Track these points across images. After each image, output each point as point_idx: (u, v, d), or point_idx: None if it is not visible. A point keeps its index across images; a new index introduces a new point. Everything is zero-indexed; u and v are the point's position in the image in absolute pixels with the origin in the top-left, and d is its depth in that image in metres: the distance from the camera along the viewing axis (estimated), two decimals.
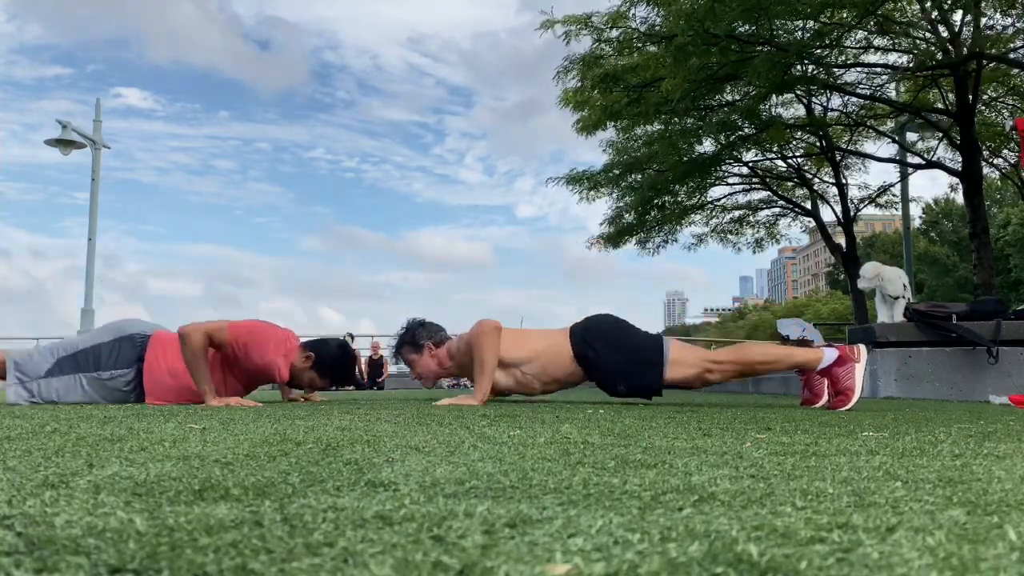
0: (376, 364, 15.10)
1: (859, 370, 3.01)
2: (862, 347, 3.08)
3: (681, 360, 3.17)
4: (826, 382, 3.23)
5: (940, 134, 12.32)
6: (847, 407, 2.93)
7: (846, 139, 14.05)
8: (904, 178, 13.16)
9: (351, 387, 13.64)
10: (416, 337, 3.43)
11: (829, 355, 3.07)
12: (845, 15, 9.57)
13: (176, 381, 3.17)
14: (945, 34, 10.36)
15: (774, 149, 13.91)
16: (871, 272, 5.46)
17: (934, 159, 12.86)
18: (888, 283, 5.44)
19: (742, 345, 3.35)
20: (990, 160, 13.31)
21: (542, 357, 3.21)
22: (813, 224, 15.95)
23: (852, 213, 14.35)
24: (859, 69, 11.54)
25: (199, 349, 3.05)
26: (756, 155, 14.32)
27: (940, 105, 11.82)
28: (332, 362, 3.36)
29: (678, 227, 15.60)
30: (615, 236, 15.11)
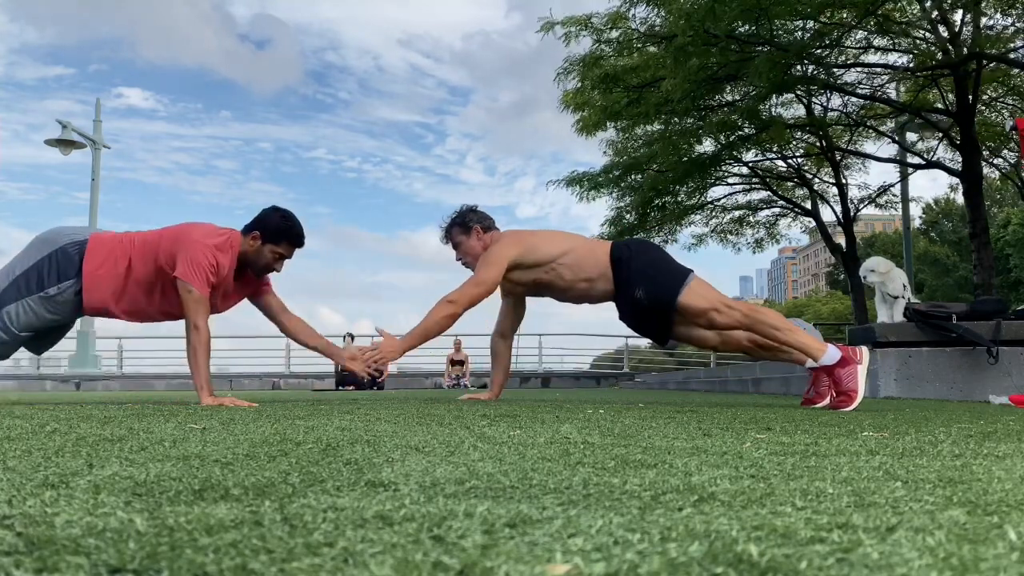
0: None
1: (862, 372, 3.03)
2: (864, 349, 3.10)
3: (699, 292, 3.25)
4: (829, 383, 3.24)
5: (940, 134, 12.32)
6: (849, 408, 2.93)
7: (846, 139, 14.05)
8: (904, 178, 13.16)
9: (351, 387, 13.67)
10: (467, 220, 3.56)
11: (832, 353, 3.08)
12: (845, 15, 9.58)
13: (115, 287, 3.14)
14: (945, 34, 10.36)
15: (774, 149, 13.91)
16: (884, 266, 5.43)
17: (934, 159, 12.86)
18: (889, 283, 5.44)
19: (754, 305, 3.44)
20: (990, 160, 13.31)
21: (578, 251, 3.37)
22: (813, 224, 15.95)
23: (852, 213, 14.35)
24: (859, 69, 11.54)
25: (207, 344, 3.06)
26: (756, 155, 14.32)
27: (940, 105, 11.82)
28: (280, 225, 3.26)
29: (678, 227, 15.60)
30: (615, 236, 15.10)
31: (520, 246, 3.34)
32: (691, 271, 3.34)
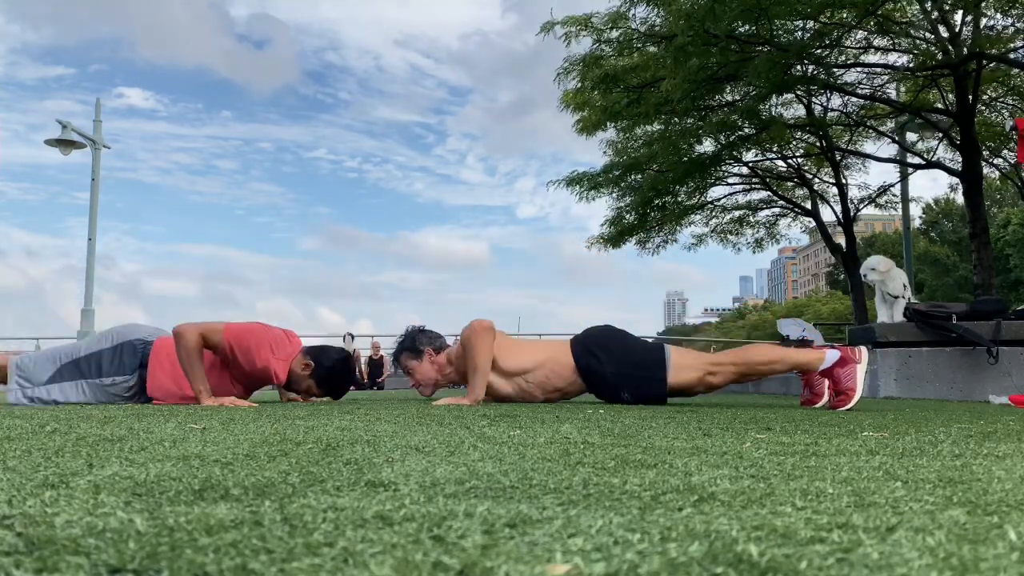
0: (376, 364, 15.10)
1: (860, 371, 3.02)
2: (863, 348, 3.09)
3: (683, 364, 3.19)
4: (827, 382, 3.23)
5: (940, 134, 12.31)
6: (848, 407, 2.93)
7: (846, 139, 14.05)
8: (904, 178, 13.15)
9: (351, 387, 13.63)
10: (416, 343, 3.42)
11: (830, 356, 3.07)
12: (845, 15, 9.57)
13: (178, 386, 3.18)
14: (945, 34, 10.36)
15: (774, 149, 13.91)
16: (884, 265, 5.42)
17: (934, 159, 12.86)
18: (889, 282, 5.44)
19: (743, 348, 3.35)
20: (990, 160, 13.30)
21: (545, 367, 3.23)
22: (813, 224, 15.95)
23: (852, 213, 14.35)
24: (859, 69, 11.53)
25: (193, 349, 3.04)
26: (756, 155, 14.31)
27: (940, 105, 11.82)
28: (331, 373, 3.34)
29: (678, 227, 15.60)
30: (616, 236, 15.11)
31: (493, 340, 3.20)
32: (662, 345, 3.27)
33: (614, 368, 3.20)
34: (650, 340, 3.43)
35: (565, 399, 3.40)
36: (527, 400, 3.28)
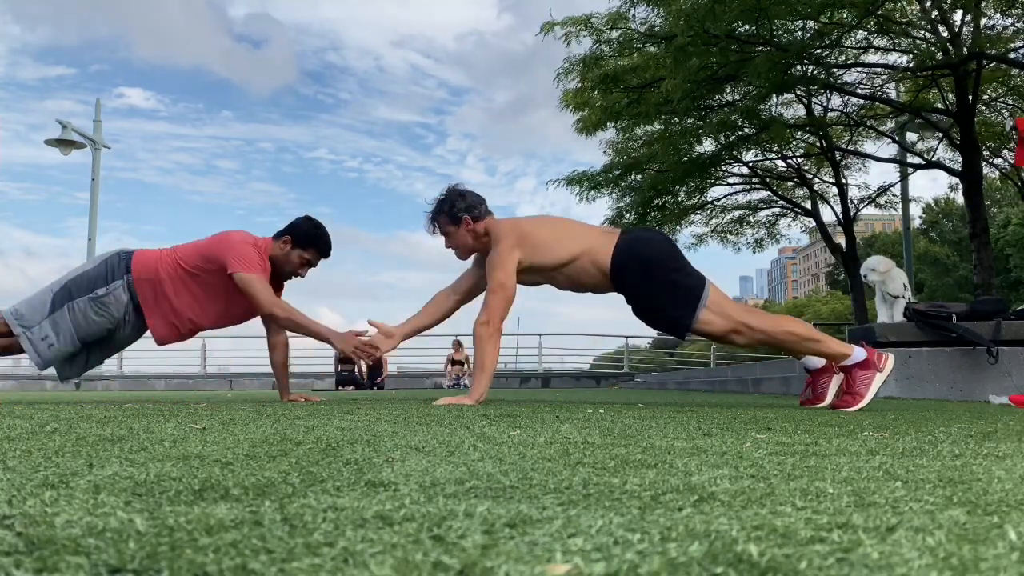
0: (375, 363, 15.09)
1: (879, 380, 2.93)
2: (891, 357, 2.98)
3: (718, 311, 3.02)
4: (831, 385, 3.20)
5: (940, 134, 12.32)
6: (851, 411, 2.91)
7: (846, 139, 14.06)
8: (904, 178, 13.16)
9: (351, 387, 13.66)
10: (455, 208, 3.28)
11: (858, 353, 2.99)
12: (845, 15, 9.57)
13: (166, 310, 3.37)
14: (945, 34, 10.36)
15: (774, 149, 13.91)
16: (884, 265, 5.42)
17: (934, 159, 12.86)
18: (889, 282, 5.44)
19: (780, 317, 3.21)
20: (990, 160, 13.31)
21: (580, 260, 3.10)
22: (813, 224, 15.96)
23: (852, 213, 14.35)
24: (859, 69, 11.54)
25: (295, 315, 3.38)
26: (756, 155, 14.32)
27: (940, 105, 11.82)
28: (310, 232, 3.50)
29: (678, 227, 15.61)
30: None
31: (523, 248, 3.13)
32: (704, 284, 3.07)
33: (644, 290, 3.08)
34: (698, 273, 3.16)
35: (594, 292, 3.26)
36: (555, 286, 3.24)
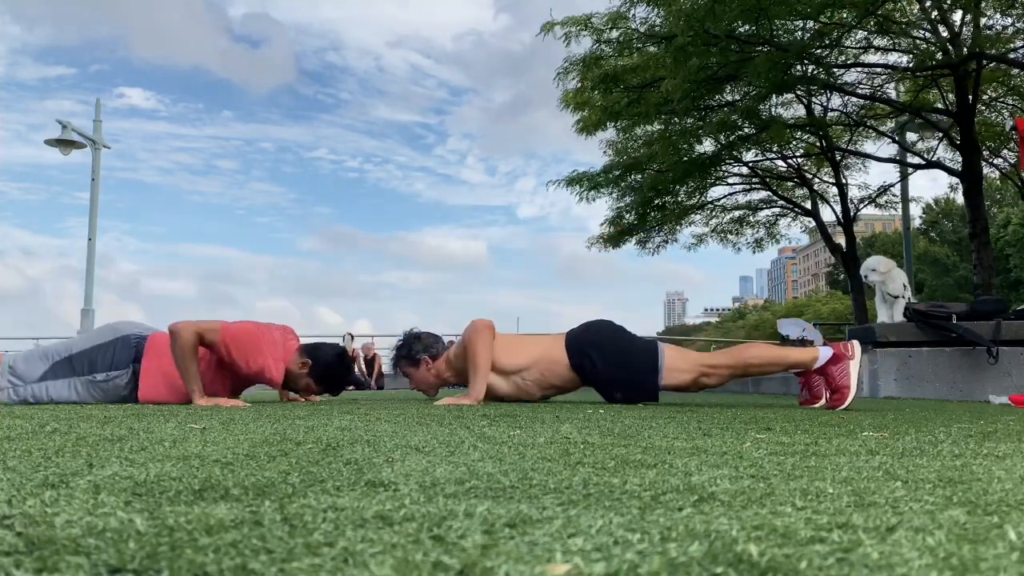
0: (368, 364, 15.10)
1: (854, 367, 3.00)
2: (856, 343, 3.06)
3: (677, 366, 3.19)
4: (823, 382, 3.22)
5: (940, 134, 12.32)
6: (844, 405, 2.93)
7: (846, 139, 14.06)
8: (904, 178, 13.16)
9: (351, 387, 13.65)
10: (412, 351, 3.49)
11: (824, 354, 3.06)
12: (845, 15, 9.57)
13: (171, 383, 3.15)
14: (945, 34, 10.36)
15: (774, 149, 13.91)
16: (884, 266, 5.42)
17: (934, 159, 12.86)
18: (889, 283, 5.44)
19: (738, 347, 3.33)
20: (990, 160, 13.31)
21: (540, 364, 3.25)
22: (813, 224, 15.95)
23: (852, 213, 14.35)
24: (859, 69, 11.54)
25: (188, 347, 3.01)
26: (756, 155, 14.32)
27: (940, 105, 11.82)
28: (328, 370, 3.33)
29: (678, 227, 15.62)
30: (616, 236, 15.12)
31: (493, 340, 3.23)
32: (656, 345, 3.27)
33: (607, 369, 3.22)
34: (647, 338, 3.40)
35: (562, 394, 3.41)
36: (524, 398, 3.29)
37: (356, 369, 14.14)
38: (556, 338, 3.36)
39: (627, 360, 3.23)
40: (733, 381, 3.50)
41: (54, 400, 3.17)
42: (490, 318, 3.26)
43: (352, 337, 14.68)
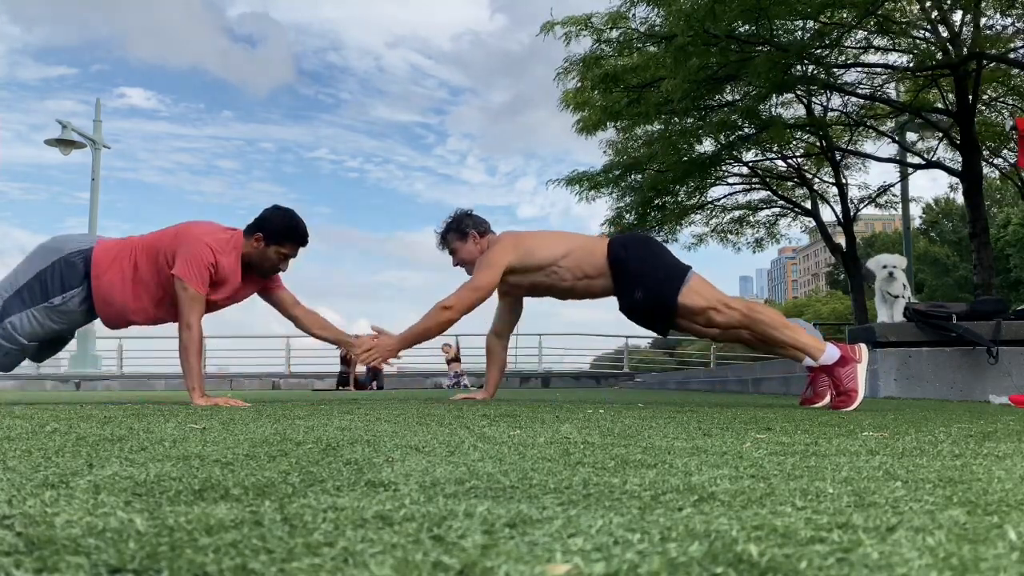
0: (372, 369, 15.10)
1: (861, 371, 3.00)
2: (863, 347, 3.06)
3: (699, 291, 3.23)
4: (829, 383, 3.22)
5: (940, 134, 12.32)
6: (850, 408, 2.92)
7: (846, 139, 14.05)
8: (904, 178, 13.16)
9: (350, 387, 13.67)
10: (463, 225, 3.55)
11: (831, 352, 3.04)
12: (845, 15, 9.57)
13: (123, 290, 3.13)
14: (945, 34, 10.37)
15: (774, 149, 13.92)
16: (902, 262, 5.55)
17: (934, 159, 12.86)
18: (891, 282, 5.44)
19: (755, 303, 3.42)
20: (990, 160, 13.30)
21: (576, 253, 3.34)
22: (813, 224, 15.96)
23: (852, 213, 14.35)
24: (859, 69, 11.54)
25: (199, 341, 3.05)
26: (756, 155, 14.33)
27: (940, 105, 11.82)
28: (283, 225, 3.25)
29: (678, 227, 15.61)
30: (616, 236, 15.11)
31: (517, 250, 3.33)
32: (690, 268, 3.32)
33: (639, 264, 3.29)
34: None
35: (589, 294, 3.43)
36: (555, 286, 3.37)
37: (356, 370, 14.18)
38: (598, 237, 3.54)
39: (659, 264, 3.31)
40: (733, 381, 3.50)
41: (18, 338, 3.11)
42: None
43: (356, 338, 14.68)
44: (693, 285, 3.23)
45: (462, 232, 3.53)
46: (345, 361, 14.29)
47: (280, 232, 3.24)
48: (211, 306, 3.24)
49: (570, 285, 3.37)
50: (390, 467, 0.99)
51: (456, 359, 15.26)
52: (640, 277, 3.29)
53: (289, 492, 0.79)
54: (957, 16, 10.28)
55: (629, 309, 3.36)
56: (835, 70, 11.11)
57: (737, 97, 11.81)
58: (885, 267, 5.43)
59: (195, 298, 3.08)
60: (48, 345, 3.38)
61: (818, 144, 13.71)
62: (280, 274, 3.42)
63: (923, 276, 36.83)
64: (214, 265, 3.12)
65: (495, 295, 3.54)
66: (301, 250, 3.35)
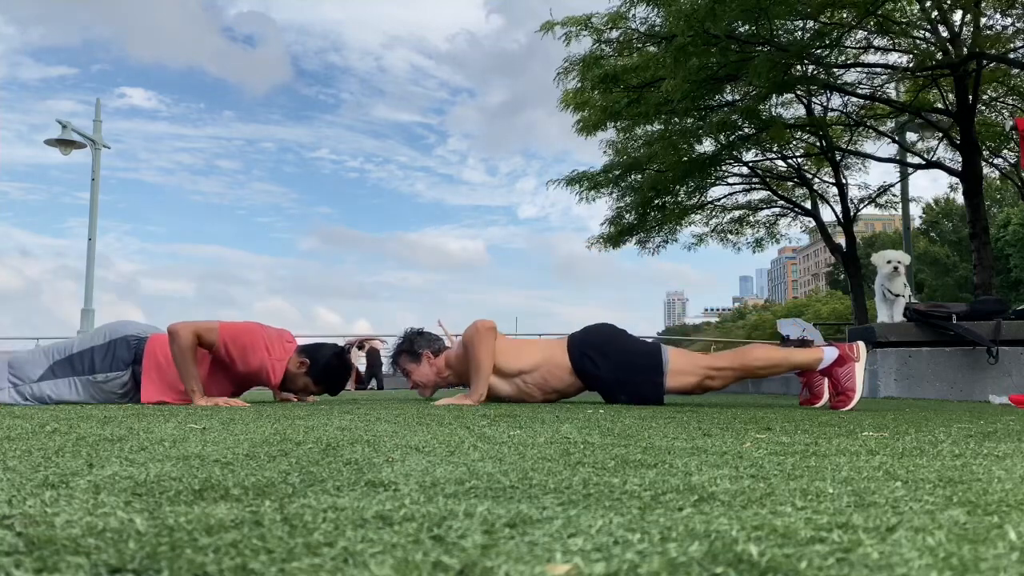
0: (371, 356, 15.04)
1: (859, 369, 2.99)
2: (861, 345, 3.05)
3: (681, 369, 3.16)
4: (826, 382, 3.22)
5: (940, 134, 12.31)
6: (848, 407, 2.92)
7: (846, 139, 14.05)
8: (904, 178, 13.15)
9: (350, 388, 13.64)
10: (414, 346, 3.43)
11: (829, 354, 3.05)
12: (845, 15, 9.57)
13: (171, 384, 3.15)
14: (945, 34, 10.36)
15: (774, 149, 13.90)
16: (907, 258, 5.56)
17: (934, 159, 12.86)
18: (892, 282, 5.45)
19: (742, 350, 3.31)
20: (990, 160, 13.30)
21: (542, 367, 3.22)
22: (813, 224, 15.94)
23: (852, 213, 14.35)
24: (859, 69, 11.53)
25: (187, 347, 3.03)
26: (756, 155, 14.32)
27: (940, 105, 11.81)
28: (327, 369, 3.31)
29: (678, 227, 15.60)
30: (616, 236, 15.11)
31: (495, 341, 3.20)
32: (659, 347, 3.23)
33: (610, 372, 3.18)
34: (649, 340, 3.36)
35: (564, 399, 3.39)
36: (526, 400, 3.27)
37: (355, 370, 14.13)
38: (559, 342, 3.33)
39: (630, 361, 3.19)
40: (734, 384, 3.49)
41: (54, 400, 3.17)
42: (490, 318, 3.24)
43: (362, 346, 14.66)
44: (673, 366, 3.15)
45: (414, 354, 3.42)
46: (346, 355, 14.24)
47: (324, 374, 3.31)
48: (229, 372, 3.22)
49: (541, 399, 3.26)
50: (390, 467, 0.99)
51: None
52: (615, 383, 3.19)
53: (289, 492, 0.79)
54: (957, 16, 10.28)
55: (619, 402, 3.25)
56: (835, 70, 11.11)
57: (737, 97, 11.80)
58: (889, 262, 5.43)
59: (208, 326, 3.10)
60: None
61: (818, 144, 13.70)
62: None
63: (923, 276, 36.83)
64: (269, 345, 3.19)
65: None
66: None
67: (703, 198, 15.22)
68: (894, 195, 14.83)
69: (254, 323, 3.25)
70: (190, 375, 3.03)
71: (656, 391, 3.17)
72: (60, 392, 3.18)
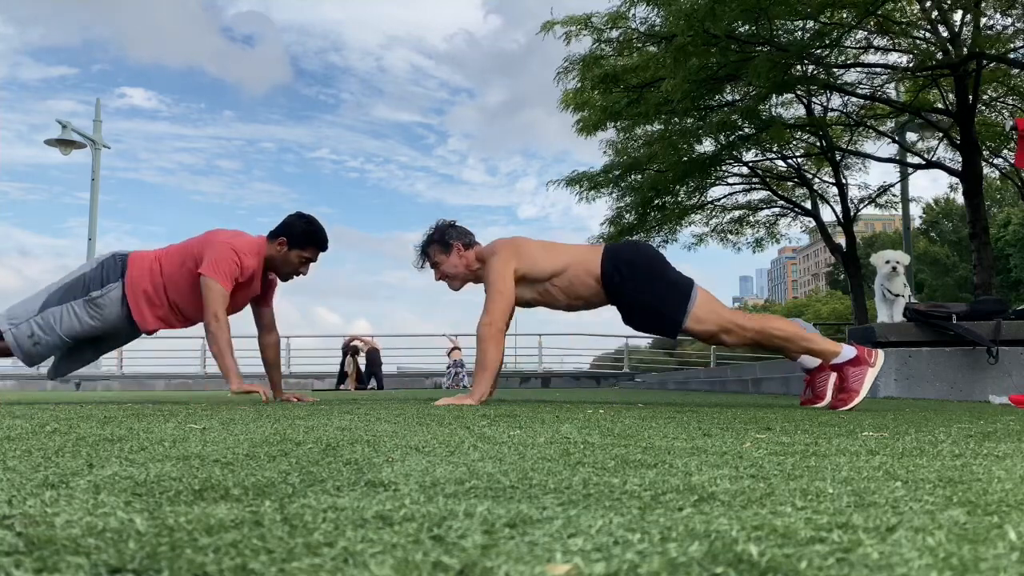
0: (370, 362, 15.10)
1: (871, 375, 2.94)
2: (880, 353, 3.01)
3: (704, 316, 3.06)
4: (829, 383, 3.21)
5: (940, 134, 12.32)
6: (847, 408, 2.92)
7: (846, 139, 14.06)
8: (904, 178, 13.16)
9: (349, 387, 13.69)
10: (446, 236, 3.33)
11: (847, 352, 3.00)
12: (845, 15, 9.57)
13: (164, 316, 3.39)
14: (945, 34, 10.36)
15: (774, 149, 13.91)
16: (906, 259, 5.56)
17: (934, 159, 12.86)
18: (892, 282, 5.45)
19: (766, 315, 3.27)
20: (990, 160, 13.30)
21: (571, 269, 3.15)
22: (813, 224, 15.96)
23: (852, 213, 14.35)
24: (859, 69, 11.54)
25: (227, 343, 3.25)
26: (756, 155, 14.33)
27: (940, 105, 11.82)
28: (305, 231, 3.47)
29: (678, 227, 15.61)
30: (616, 236, 15.13)
31: (519, 258, 3.16)
32: (692, 286, 3.11)
33: (634, 292, 3.09)
34: (686, 276, 3.21)
35: (587, 308, 3.30)
36: (550, 306, 3.24)
37: (355, 370, 14.21)
38: (594, 248, 3.25)
39: (658, 289, 3.09)
40: (733, 381, 3.48)
41: (55, 329, 3.29)
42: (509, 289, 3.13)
43: (358, 351, 14.76)
44: (698, 308, 3.05)
45: (445, 244, 3.32)
46: (347, 352, 14.35)
47: (302, 237, 3.45)
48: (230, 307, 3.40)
49: (566, 304, 3.22)
50: (390, 467, 0.99)
51: (457, 348, 15.33)
52: (635, 303, 3.13)
53: (289, 492, 0.79)
54: (957, 16, 10.28)
55: (631, 322, 3.23)
56: (835, 70, 11.11)
57: (737, 97, 11.81)
58: (888, 262, 5.43)
59: (220, 293, 3.27)
60: (78, 350, 3.55)
61: (818, 144, 13.71)
62: (275, 289, 3.64)
63: (923, 276, 36.85)
64: (239, 265, 3.31)
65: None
66: (297, 251, 3.48)
67: (703, 198, 15.23)
68: (894, 195, 14.85)
69: (226, 248, 3.33)
70: (228, 362, 3.25)
71: (673, 328, 3.09)
72: (59, 319, 3.31)
